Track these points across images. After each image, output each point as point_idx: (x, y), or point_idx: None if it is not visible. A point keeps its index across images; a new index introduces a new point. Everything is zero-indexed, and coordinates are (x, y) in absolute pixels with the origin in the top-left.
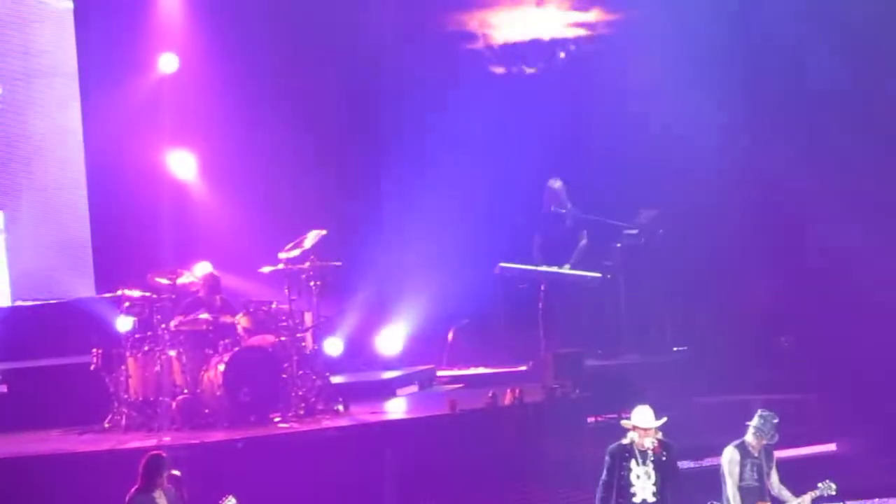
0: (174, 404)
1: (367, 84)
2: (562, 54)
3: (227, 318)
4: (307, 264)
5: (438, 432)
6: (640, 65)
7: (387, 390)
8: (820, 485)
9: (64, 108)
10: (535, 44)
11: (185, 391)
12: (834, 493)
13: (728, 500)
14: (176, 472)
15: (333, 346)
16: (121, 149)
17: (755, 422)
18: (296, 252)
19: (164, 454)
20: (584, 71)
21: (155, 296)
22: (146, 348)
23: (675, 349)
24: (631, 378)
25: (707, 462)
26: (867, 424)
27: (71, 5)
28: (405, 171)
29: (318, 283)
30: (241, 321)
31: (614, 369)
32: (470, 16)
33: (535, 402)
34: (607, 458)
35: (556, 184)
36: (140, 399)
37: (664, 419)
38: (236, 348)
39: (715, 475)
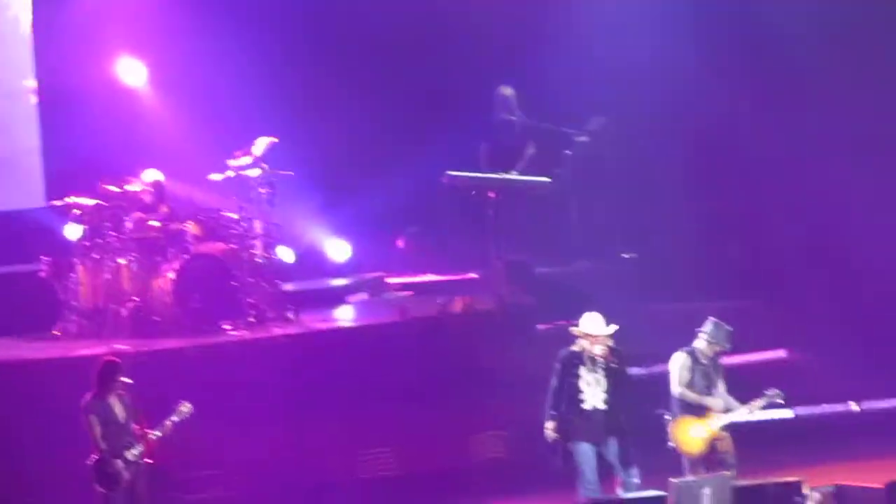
0: (124, 311)
1: None
2: None
3: (176, 226)
4: (258, 172)
5: (388, 339)
6: None
7: (337, 298)
8: (767, 392)
9: (12, 11)
10: None
11: (136, 298)
12: (781, 401)
13: (675, 405)
14: (127, 380)
15: (287, 253)
16: (71, 56)
17: (708, 328)
18: (246, 160)
19: (118, 360)
20: None
21: (105, 203)
22: (96, 256)
23: (625, 255)
24: (581, 285)
25: (657, 369)
26: (817, 331)
27: None
28: (354, 76)
29: (267, 190)
30: (191, 228)
31: (565, 276)
32: None
33: (486, 310)
34: (557, 364)
35: (507, 90)
36: (90, 306)
37: (614, 327)
38: (186, 256)
39: (665, 382)
